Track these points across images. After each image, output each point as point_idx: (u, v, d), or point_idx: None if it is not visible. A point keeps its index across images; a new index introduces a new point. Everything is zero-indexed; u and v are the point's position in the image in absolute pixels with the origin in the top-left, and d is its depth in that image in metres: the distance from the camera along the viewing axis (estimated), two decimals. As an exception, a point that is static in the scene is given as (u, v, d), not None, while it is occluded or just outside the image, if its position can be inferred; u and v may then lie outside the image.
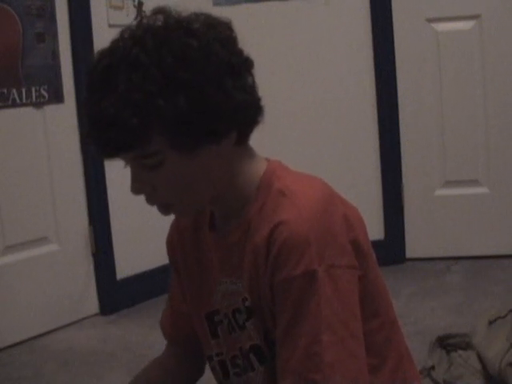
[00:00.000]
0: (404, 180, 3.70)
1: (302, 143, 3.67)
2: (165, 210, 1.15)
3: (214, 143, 1.08)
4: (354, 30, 3.61)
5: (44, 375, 2.72)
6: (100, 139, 1.06)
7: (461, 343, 2.16)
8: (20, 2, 2.98)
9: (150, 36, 1.04)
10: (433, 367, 2.10)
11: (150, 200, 1.13)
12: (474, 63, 3.55)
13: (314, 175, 1.17)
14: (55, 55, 3.12)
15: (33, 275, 3.11)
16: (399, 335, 1.21)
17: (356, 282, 1.08)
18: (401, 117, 3.65)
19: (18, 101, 3.00)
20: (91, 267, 3.32)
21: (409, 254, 3.74)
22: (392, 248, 3.65)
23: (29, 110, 3.05)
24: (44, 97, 3.09)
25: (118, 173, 3.17)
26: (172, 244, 1.32)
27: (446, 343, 2.19)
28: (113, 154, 1.07)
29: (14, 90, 2.98)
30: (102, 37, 3.03)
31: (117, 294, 3.35)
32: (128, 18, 3.31)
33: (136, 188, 1.11)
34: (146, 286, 3.41)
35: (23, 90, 3.01)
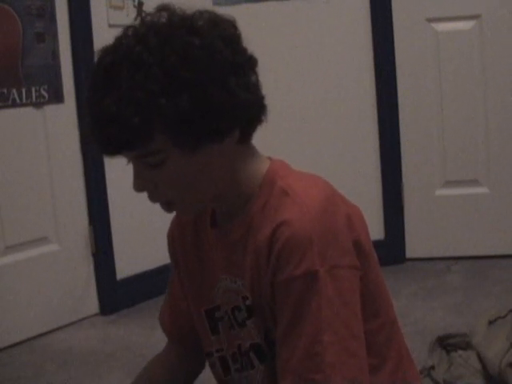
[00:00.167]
0: (404, 180, 3.70)
1: (302, 143, 3.67)
2: (167, 207, 1.15)
3: (217, 142, 1.08)
4: (354, 29, 3.61)
5: (44, 375, 2.72)
6: (102, 137, 1.06)
7: (461, 343, 2.16)
8: (20, 2, 2.98)
9: (153, 34, 1.04)
10: (433, 367, 2.10)
11: (153, 197, 1.13)
12: (474, 63, 3.55)
13: (316, 174, 1.17)
14: (55, 55, 3.11)
15: (33, 275, 3.10)
16: (399, 335, 1.21)
17: (358, 282, 1.08)
18: (401, 117, 3.65)
19: (18, 101, 3.00)
20: (91, 267, 3.32)
21: (409, 254, 3.74)
22: (392, 248, 3.65)
23: (29, 109, 3.05)
24: (44, 97, 3.09)
25: (117, 173, 3.18)
26: (173, 240, 1.32)
27: (446, 343, 2.18)
28: (115, 152, 1.07)
29: (14, 90, 2.98)
30: (102, 37, 3.03)
31: (117, 294, 3.35)
32: (128, 17, 3.31)
33: (138, 185, 1.11)
34: (145, 286, 3.41)
35: (23, 90, 3.01)
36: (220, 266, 1.19)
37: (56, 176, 3.17)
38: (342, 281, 1.05)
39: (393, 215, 3.70)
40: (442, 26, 3.57)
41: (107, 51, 1.06)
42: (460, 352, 2.13)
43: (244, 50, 1.11)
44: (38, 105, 3.08)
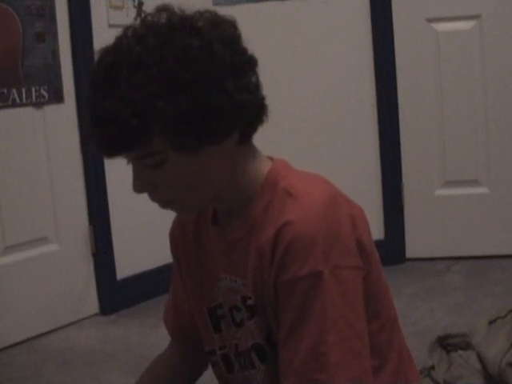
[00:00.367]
0: (404, 180, 3.70)
1: (302, 143, 3.67)
2: (166, 207, 1.15)
3: (216, 143, 1.08)
4: (354, 29, 3.61)
5: (44, 375, 2.72)
6: (101, 138, 1.06)
7: (461, 343, 2.16)
8: (20, 2, 2.98)
9: (153, 35, 1.04)
10: (433, 367, 2.09)
11: (153, 197, 1.13)
12: (474, 63, 3.55)
13: (318, 174, 1.17)
14: (55, 55, 3.11)
15: (33, 275, 3.10)
16: (400, 336, 1.21)
17: (361, 282, 1.08)
18: (401, 117, 3.65)
19: (18, 101, 3.00)
20: (91, 267, 3.32)
21: (409, 254, 3.74)
22: (392, 248, 3.65)
23: (29, 109, 3.05)
24: (44, 97, 3.09)
25: (117, 172, 3.18)
26: (174, 238, 1.32)
27: (446, 343, 2.18)
28: (114, 153, 1.08)
29: (14, 90, 2.98)
30: (102, 37, 3.03)
31: (117, 294, 3.35)
32: (128, 17, 3.31)
33: (138, 186, 1.11)
34: (145, 286, 3.41)
35: (23, 90, 3.01)
36: (220, 265, 1.19)
37: (56, 176, 3.17)
38: (345, 281, 1.05)
39: (393, 215, 3.70)
40: (441, 26, 3.57)
41: (107, 51, 1.06)
42: (460, 352, 2.13)
43: (244, 51, 1.11)
44: (37, 105, 3.08)
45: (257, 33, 3.53)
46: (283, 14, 3.63)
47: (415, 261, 3.70)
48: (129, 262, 3.39)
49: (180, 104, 1.02)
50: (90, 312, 3.31)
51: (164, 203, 1.13)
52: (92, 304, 3.32)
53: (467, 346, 2.13)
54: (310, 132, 3.69)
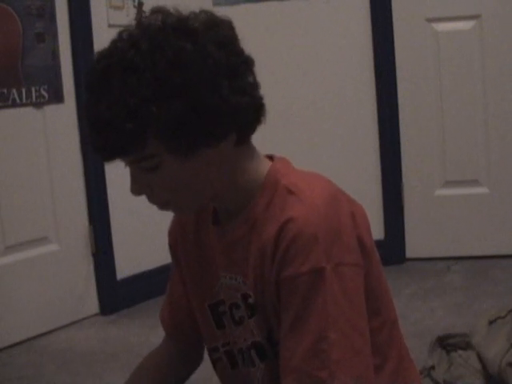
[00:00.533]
0: (404, 180, 3.70)
1: (302, 143, 3.67)
2: (164, 209, 1.15)
3: (212, 146, 1.08)
4: (354, 29, 3.61)
5: (44, 375, 2.72)
6: (97, 142, 1.06)
7: (461, 343, 2.16)
8: (20, 2, 2.98)
9: (146, 38, 1.04)
10: (433, 367, 2.09)
11: (151, 200, 1.13)
12: (474, 63, 3.55)
13: (318, 173, 1.17)
14: (55, 55, 3.11)
15: (33, 275, 3.10)
16: (400, 335, 1.21)
17: (362, 280, 1.08)
18: (401, 117, 3.65)
19: (18, 101, 3.00)
20: (91, 267, 3.32)
21: (409, 254, 3.74)
22: (392, 248, 3.65)
23: (29, 109, 3.05)
24: (44, 97, 3.09)
25: (117, 173, 3.16)
26: (174, 237, 1.32)
27: (446, 343, 2.18)
28: (110, 157, 1.08)
29: (14, 90, 2.98)
30: (102, 37, 3.03)
31: (117, 294, 3.35)
32: (128, 18, 3.31)
33: (135, 189, 1.12)
34: (145, 286, 3.41)
35: (23, 90, 3.01)
36: (220, 263, 1.20)
37: (56, 176, 3.17)
38: (347, 278, 1.05)
39: (393, 215, 3.70)
40: (441, 26, 3.57)
41: (102, 55, 1.06)
42: (460, 352, 2.13)
43: (240, 52, 1.10)
44: (37, 105, 3.08)
45: (257, 33, 3.53)
46: (283, 14, 3.63)
47: (415, 261, 3.70)
48: (129, 262, 3.39)
49: (174, 108, 1.02)
50: (90, 312, 3.31)
51: (162, 205, 1.14)
52: (92, 304, 3.32)
53: (467, 346, 2.13)
54: (309, 132, 3.69)
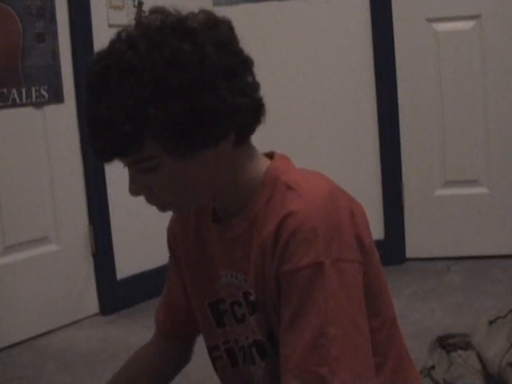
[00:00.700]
0: (404, 180, 3.70)
1: (302, 143, 3.67)
2: (163, 209, 1.15)
3: (211, 147, 1.07)
4: (354, 29, 3.61)
5: (44, 375, 2.72)
6: (96, 143, 1.06)
7: (461, 343, 2.16)
8: (20, 2, 2.98)
9: (144, 39, 1.04)
10: (433, 367, 2.10)
11: (149, 201, 1.13)
12: (474, 63, 3.55)
13: (318, 171, 1.17)
14: (55, 55, 3.12)
15: (33, 275, 3.10)
16: (399, 335, 1.21)
17: (361, 277, 1.07)
18: (401, 117, 3.65)
19: (18, 101, 3.00)
20: (91, 267, 3.32)
21: (409, 254, 3.74)
22: (392, 248, 3.65)
23: (29, 109, 3.05)
24: (44, 97, 3.09)
25: (117, 173, 3.16)
26: (173, 235, 1.32)
27: (446, 343, 2.18)
28: (108, 158, 1.08)
29: (14, 90, 2.98)
30: (102, 37, 3.03)
31: (117, 294, 3.35)
32: (128, 17, 3.31)
33: (134, 190, 1.11)
34: (145, 286, 3.41)
35: (23, 90, 3.01)
36: (221, 262, 1.19)
37: (56, 176, 3.17)
38: (346, 274, 1.05)
39: (393, 215, 3.70)
40: (442, 26, 3.57)
41: (101, 55, 1.06)
42: (460, 352, 2.13)
43: (239, 52, 1.10)
44: (37, 105, 3.08)
45: (257, 33, 3.53)
46: (283, 14, 3.63)
47: (415, 261, 3.70)
48: (129, 262, 3.39)
49: (171, 109, 1.02)
50: (90, 312, 3.31)
51: (161, 206, 1.14)
52: (92, 304, 3.32)
53: (467, 346, 2.13)
54: (309, 132, 3.69)
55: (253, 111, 1.10)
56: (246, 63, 1.10)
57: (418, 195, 3.70)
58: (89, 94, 1.06)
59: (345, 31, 3.62)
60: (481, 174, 3.63)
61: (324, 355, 1.01)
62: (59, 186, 3.18)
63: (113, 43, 1.06)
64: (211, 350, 1.28)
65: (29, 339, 3.04)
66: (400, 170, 3.69)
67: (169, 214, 1.26)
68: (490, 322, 2.13)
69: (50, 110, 3.13)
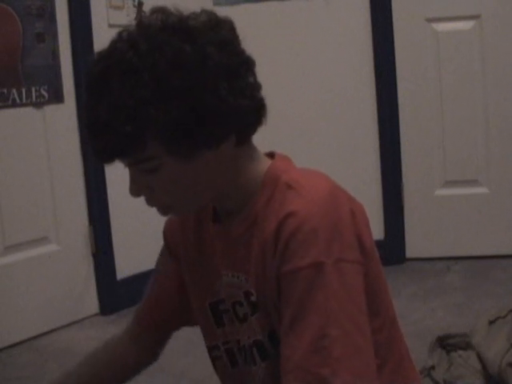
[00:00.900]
0: (404, 180, 3.70)
1: (302, 143, 3.67)
2: (164, 211, 1.15)
3: (212, 148, 1.07)
4: (354, 29, 3.61)
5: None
6: (96, 144, 1.06)
7: (461, 343, 2.16)
8: (20, 2, 2.98)
9: (145, 39, 1.03)
10: (433, 367, 2.10)
11: (149, 202, 1.12)
12: (474, 63, 3.55)
13: (319, 171, 1.17)
14: (55, 55, 3.12)
15: (33, 275, 3.11)
16: (399, 335, 1.21)
17: (362, 277, 1.07)
18: (401, 117, 3.65)
19: (18, 101, 3.00)
20: (91, 267, 3.32)
21: (409, 253, 3.74)
22: (392, 248, 3.65)
23: (29, 110, 3.05)
24: (44, 97, 3.09)
25: (117, 173, 3.16)
26: (172, 231, 1.32)
27: (446, 343, 2.19)
28: (108, 159, 1.07)
29: (14, 90, 2.98)
30: (102, 37, 3.03)
31: (117, 293, 3.35)
32: (128, 17, 3.31)
33: (134, 190, 1.11)
34: (145, 286, 3.41)
35: (23, 90, 3.01)
36: (221, 262, 1.19)
37: (56, 176, 3.17)
38: (347, 275, 1.04)
39: (393, 215, 3.70)
40: (442, 26, 3.57)
41: (101, 56, 1.05)
42: (460, 352, 2.13)
43: (240, 52, 1.09)
44: (37, 105, 3.08)
45: (257, 33, 3.53)
46: (283, 14, 3.63)
47: (415, 261, 3.70)
48: (129, 262, 3.39)
49: (173, 110, 1.02)
50: (90, 312, 3.31)
51: (161, 208, 1.13)
52: (92, 304, 3.32)
53: (467, 346, 2.13)
54: (309, 132, 3.69)
55: (254, 112, 1.10)
56: (248, 64, 1.10)
57: (417, 195, 3.70)
58: (89, 95, 1.05)
59: (345, 31, 3.62)
60: (481, 174, 3.63)
61: (325, 356, 1.00)
62: (59, 186, 3.18)
63: (114, 43, 1.06)
64: (211, 350, 1.28)
65: (29, 339, 3.04)
66: (400, 170, 3.69)
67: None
68: (490, 322, 2.14)
69: (50, 110, 3.13)
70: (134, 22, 1.08)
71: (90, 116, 1.05)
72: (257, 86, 1.11)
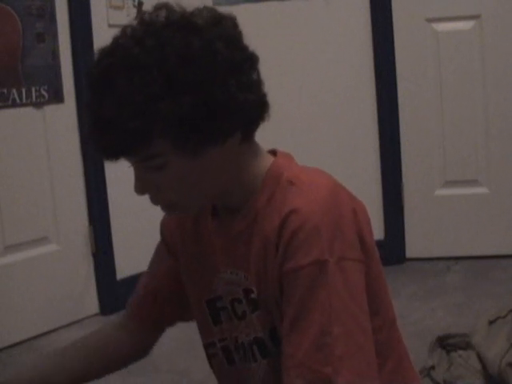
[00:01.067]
0: (404, 180, 3.70)
1: (302, 143, 3.67)
2: (169, 209, 1.14)
3: (219, 144, 1.07)
4: (354, 29, 3.61)
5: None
6: (101, 142, 1.05)
7: (461, 343, 2.16)
8: (20, 2, 2.98)
9: (151, 35, 1.03)
10: (433, 367, 2.10)
11: (155, 200, 1.12)
12: (474, 63, 3.55)
13: (321, 169, 1.17)
14: (55, 55, 3.12)
15: (33, 275, 3.11)
16: (398, 335, 1.21)
17: (363, 276, 1.07)
18: (401, 117, 3.65)
19: (18, 101, 3.00)
20: (91, 267, 3.32)
21: (409, 253, 3.74)
22: (392, 248, 3.65)
23: (29, 110, 3.05)
24: (44, 97, 3.09)
25: (117, 173, 3.17)
26: (169, 228, 1.31)
27: (446, 343, 2.19)
28: (114, 156, 1.06)
29: (14, 90, 2.98)
30: (102, 37, 3.02)
31: (117, 294, 3.35)
32: (128, 18, 3.31)
33: (139, 188, 1.10)
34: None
35: (23, 90, 3.01)
36: (220, 259, 1.19)
37: (56, 176, 3.17)
38: (349, 273, 1.04)
39: (393, 215, 3.70)
40: (442, 26, 3.57)
41: (105, 53, 1.04)
42: (460, 352, 2.13)
43: (245, 48, 1.09)
44: (37, 105, 3.08)
45: (257, 33, 3.50)
46: (283, 14, 3.63)
47: (415, 261, 3.70)
48: (129, 262, 3.39)
49: (183, 105, 1.01)
50: (90, 312, 3.31)
51: (166, 206, 1.13)
52: (92, 304, 3.32)
53: (467, 346, 2.13)
54: (309, 132, 3.69)
55: (259, 107, 1.10)
56: (252, 60, 1.10)
57: (418, 195, 3.70)
58: (93, 92, 1.04)
59: (345, 31, 3.62)
60: (481, 174, 3.63)
61: (328, 354, 1.00)
62: (59, 185, 3.18)
63: (116, 40, 1.05)
64: (207, 347, 1.28)
65: (29, 339, 3.04)
66: (400, 170, 3.69)
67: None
68: (490, 322, 2.13)
69: (50, 110, 3.13)
70: (133, 21, 1.08)
71: (94, 113, 1.04)
72: (260, 83, 1.11)
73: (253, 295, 1.13)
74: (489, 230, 3.64)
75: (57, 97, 3.14)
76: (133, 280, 3.68)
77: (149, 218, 3.28)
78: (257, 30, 3.59)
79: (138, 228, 3.41)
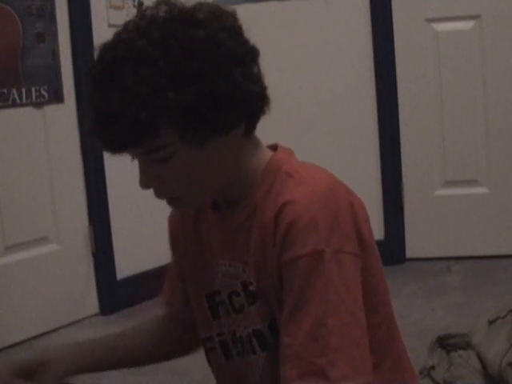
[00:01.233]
0: (404, 180, 3.70)
1: (302, 143, 3.66)
2: (174, 203, 1.14)
3: (224, 134, 1.07)
4: (354, 29, 3.61)
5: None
6: (106, 135, 1.05)
7: (461, 343, 2.16)
8: (20, 2, 2.98)
9: (156, 27, 1.04)
10: (433, 367, 2.10)
11: (159, 194, 1.12)
12: (474, 63, 3.55)
13: (319, 165, 1.17)
14: (55, 55, 3.12)
15: (33, 275, 3.10)
16: (398, 334, 1.21)
17: (359, 271, 1.07)
18: (401, 117, 3.65)
19: (18, 101, 3.00)
20: (91, 267, 3.32)
21: (409, 253, 3.74)
22: (392, 248, 3.65)
23: (29, 110, 3.05)
24: (44, 97, 3.09)
25: (117, 172, 3.18)
26: (174, 224, 1.32)
27: (446, 343, 2.19)
28: (120, 149, 1.07)
29: (14, 90, 2.98)
30: (102, 37, 3.01)
31: (117, 293, 3.35)
32: (128, 18, 3.28)
33: (144, 182, 1.10)
34: (145, 286, 3.41)
35: (23, 90, 3.01)
36: (219, 251, 1.19)
37: (56, 176, 3.17)
38: (346, 266, 1.04)
39: (393, 215, 3.70)
40: (442, 26, 3.57)
41: (107, 47, 1.06)
42: (460, 352, 2.13)
43: (246, 42, 1.11)
44: (37, 105, 3.08)
45: (257, 33, 3.52)
46: (283, 14, 3.63)
47: (415, 261, 3.70)
48: (129, 262, 3.39)
49: (189, 95, 1.02)
50: (90, 312, 3.31)
51: (170, 199, 1.13)
52: (92, 304, 3.32)
53: (467, 346, 2.13)
54: (309, 132, 3.69)
55: (261, 99, 1.11)
56: (253, 53, 1.12)
57: (418, 195, 3.70)
58: (96, 86, 1.05)
59: (345, 31, 3.62)
60: (481, 174, 3.63)
61: (323, 345, 1.00)
62: (59, 185, 3.18)
63: (118, 34, 1.06)
64: (205, 341, 1.28)
65: (29, 339, 3.04)
66: (400, 170, 3.69)
67: (168, 213, 1.26)
68: (490, 322, 2.13)
69: (50, 110, 3.13)
70: (135, 16, 1.09)
71: (98, 107, 1.04)
72: (261, 76, 1.12)
73: (251, 287, 1.13)
74: (489, 230, 3.64)
75: (57, 97, 3.14)
76: (133, 280, 3.72)
77: (149, 218, 3.29)
78: (257, 30, 3.58)
79: (138, 228, 3.41)
